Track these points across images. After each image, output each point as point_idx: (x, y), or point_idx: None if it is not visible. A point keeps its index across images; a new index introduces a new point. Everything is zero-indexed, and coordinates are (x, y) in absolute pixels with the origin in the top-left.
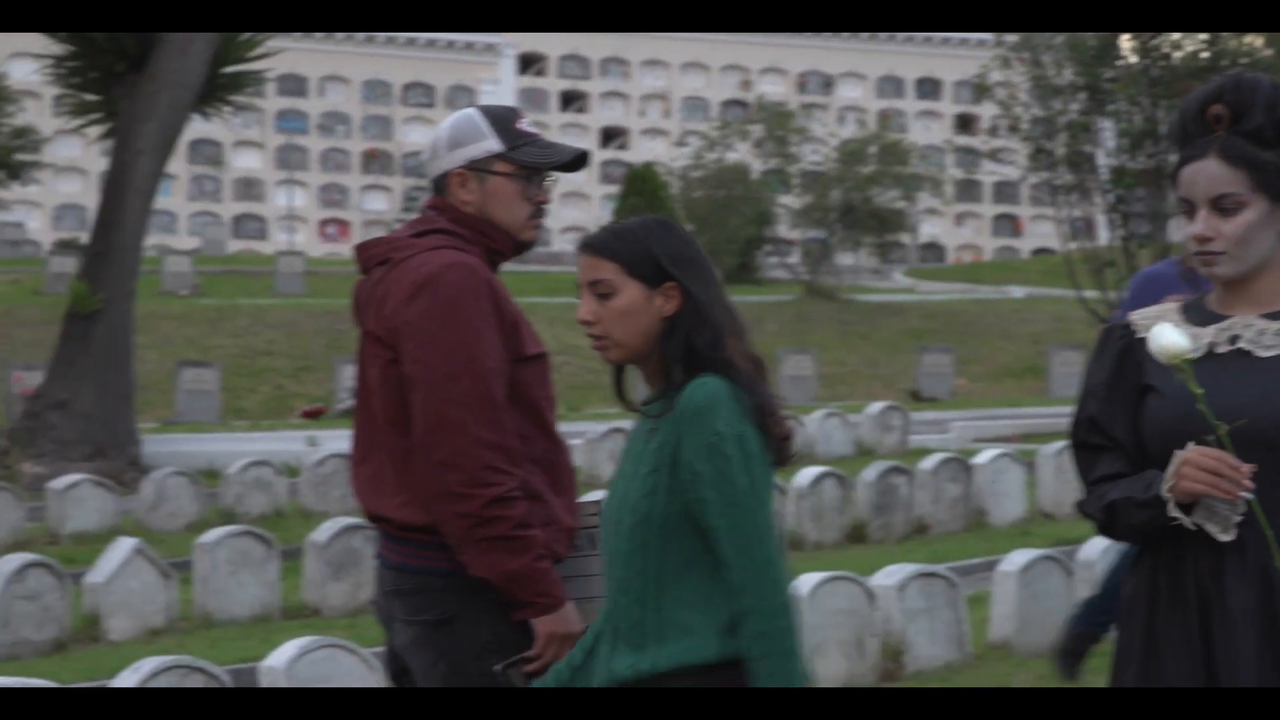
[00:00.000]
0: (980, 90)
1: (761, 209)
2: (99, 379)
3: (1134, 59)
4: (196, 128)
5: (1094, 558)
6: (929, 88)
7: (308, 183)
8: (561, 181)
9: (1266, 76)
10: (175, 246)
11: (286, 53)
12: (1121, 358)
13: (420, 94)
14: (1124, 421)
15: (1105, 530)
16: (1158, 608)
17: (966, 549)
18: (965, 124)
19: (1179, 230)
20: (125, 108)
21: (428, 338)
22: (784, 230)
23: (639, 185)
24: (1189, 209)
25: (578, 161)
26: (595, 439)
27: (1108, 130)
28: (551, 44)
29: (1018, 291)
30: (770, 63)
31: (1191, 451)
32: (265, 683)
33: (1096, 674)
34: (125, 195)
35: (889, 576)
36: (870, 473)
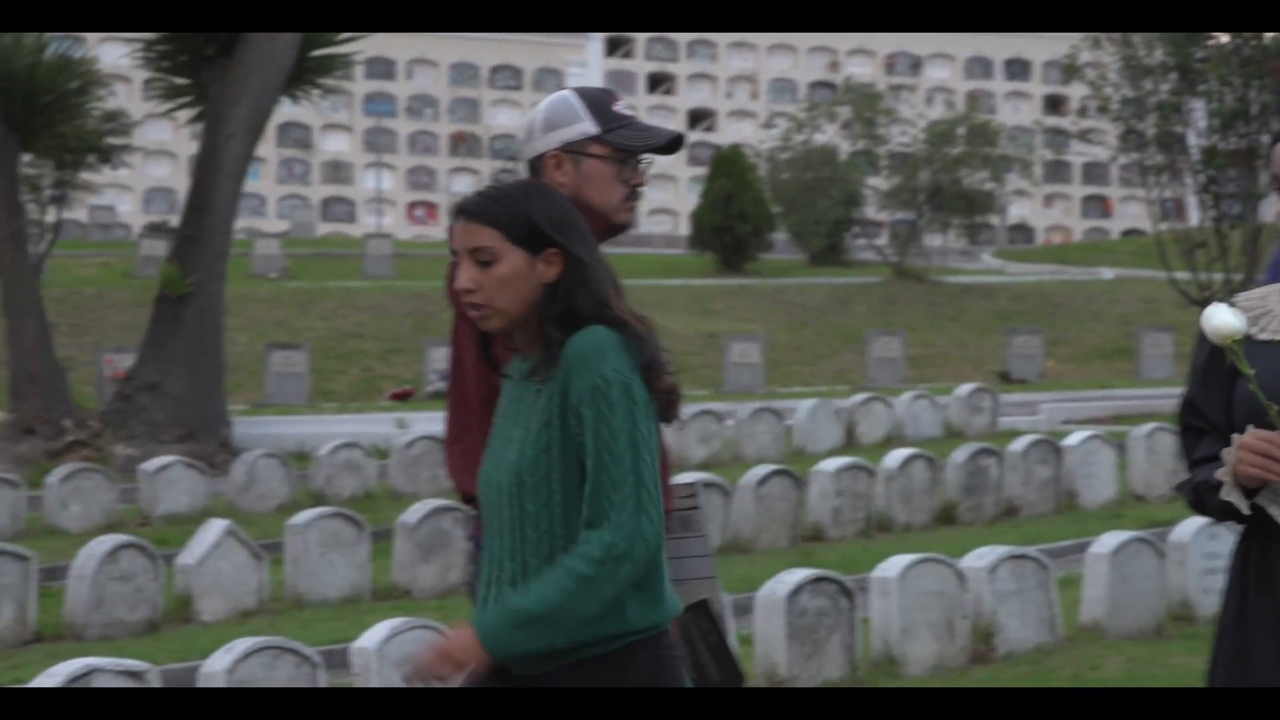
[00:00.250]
0: (1070, 71)
1: (849, 191)
2: (189, 361)
3: (1225, 38)
4: (285, 111)
5: (1186, 539)
6: (1018, 69)
7: (396, 165)
8: None
9: None
10: (264, 229)
11: (374, 36)
12: None
13: (508, 77)
14: (1218, 403)
15: (1198, 511)
16: (1248, 590)
17: (1057, 531)
18: (1054, 105)
19: (1271, 210)
20: (215, 91)
21: None
22: (872, 212)
23: (727, 167)
24: None
25: (673, 144)
26: (684, 420)
27: (1199, 110)
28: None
29: (1107, 273)
30: (858, 44)
31: (1248, 435)
32: (357, 664)
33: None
34: (215, 178)
35: (979, 559)
36: (960, 454)
